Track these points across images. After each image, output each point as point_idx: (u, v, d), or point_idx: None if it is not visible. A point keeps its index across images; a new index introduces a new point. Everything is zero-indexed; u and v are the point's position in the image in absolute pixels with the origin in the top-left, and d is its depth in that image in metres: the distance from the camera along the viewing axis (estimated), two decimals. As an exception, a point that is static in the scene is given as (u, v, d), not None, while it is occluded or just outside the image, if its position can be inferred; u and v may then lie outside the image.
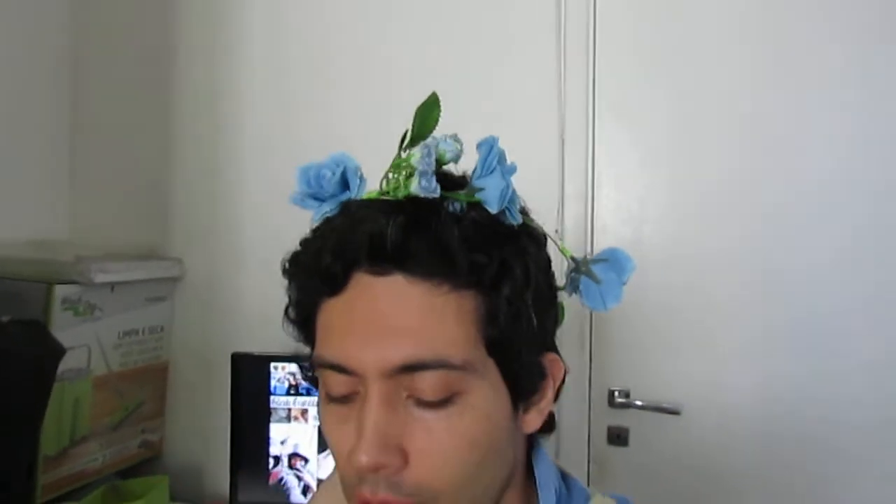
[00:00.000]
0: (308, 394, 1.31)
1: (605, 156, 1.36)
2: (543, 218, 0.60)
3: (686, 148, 1.31)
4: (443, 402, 0.47)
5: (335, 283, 0.50)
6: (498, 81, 1.38)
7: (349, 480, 0.49)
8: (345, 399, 0.50)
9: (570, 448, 1.35)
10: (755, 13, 1.28)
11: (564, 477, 0.61)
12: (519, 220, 0.53)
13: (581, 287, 0.58)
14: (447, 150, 0.54)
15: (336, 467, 0.52)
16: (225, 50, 1.58)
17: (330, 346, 0.50)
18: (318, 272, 0.50)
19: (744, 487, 1.27)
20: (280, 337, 1.47)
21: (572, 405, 1.35)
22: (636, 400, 1.32)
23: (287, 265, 0.54)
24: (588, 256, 0.59)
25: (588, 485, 1.32)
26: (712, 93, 1.30)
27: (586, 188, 1.36)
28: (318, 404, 0.54)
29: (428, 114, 0.55)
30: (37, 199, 1.51)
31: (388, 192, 0.52)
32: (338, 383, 0.50)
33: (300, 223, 0.56)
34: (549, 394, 0.55)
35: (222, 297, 1.57)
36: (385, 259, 0.48)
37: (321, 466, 1.30)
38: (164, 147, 1.61)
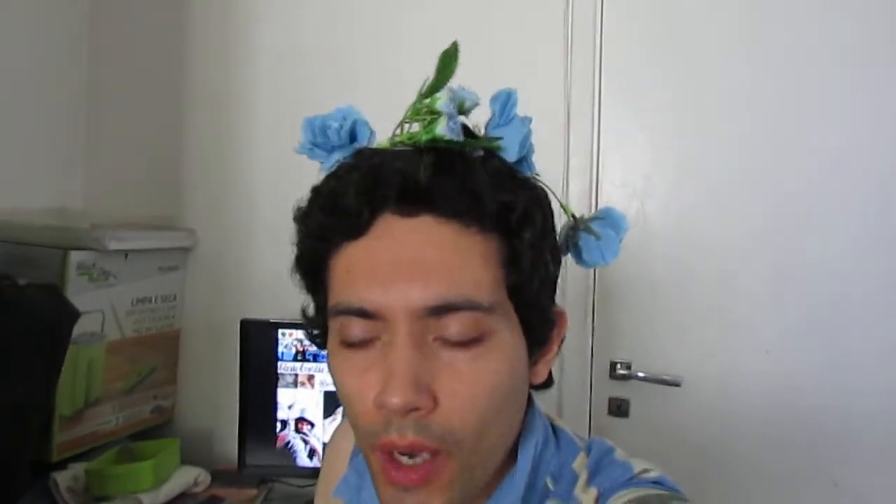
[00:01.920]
0: (315, 360, 1.34)
1: (611, 131, 1.37)
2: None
3: (692, 125, 1.32)
4: (470, 343, 0.47)
5: (359, 225, 0.48)
6: (505, 53, 1.39)
7: (372, 428, 0.47)
8: (364, 346, 0.48)
9: (570, 419, 1.37)
10: (763, -12, 1.28)
11: (554, 429, 0.59)
12: (535, 169, 0.54)
13: (581, 243, 0.58)
14: (466, 97, 0.54)
15: (352, 419, 0.50)
16: (239, 21, 1.60)
17: (352, 290, 0.48)
18: (341, 214, 0.48)
19: (741, 459, 1.29)
20: (288, 305, 1.50)
21: (574, 376, 1.37)
22: (638, 372, 1.34)
23: (301, 209, 0.53)
24: (584, 216, 0.59)
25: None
26: (719, 72, 1.30)
27: (591, 163, 1.37)
28: (328, 356, 0.52)
29: (449, 62, 0.54)
30: (54, 168, 1.55)
31: (402, 141, 0.51)
32: (358, 330, 0.48)
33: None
34: (555, 346, 0.55)
35: (233, 266, 1.60)
36: (415, 199, 0.47)
37: (326, 430, 1.34)
38: (178, 119, 1.64)
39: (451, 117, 0.50)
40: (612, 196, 1.37)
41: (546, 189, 0.55)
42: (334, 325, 0.50)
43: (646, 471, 0.54)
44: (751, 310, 1.28)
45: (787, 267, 1.26)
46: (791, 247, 1.26)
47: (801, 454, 1.25)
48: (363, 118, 0.55)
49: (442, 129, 0.50)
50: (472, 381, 0.47)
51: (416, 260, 0.46)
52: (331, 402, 1.35)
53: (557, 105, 1.37)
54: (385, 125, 0.55)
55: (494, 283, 0.48)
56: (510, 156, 0.52)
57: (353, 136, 0.54)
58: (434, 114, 0.51)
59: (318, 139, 0.54)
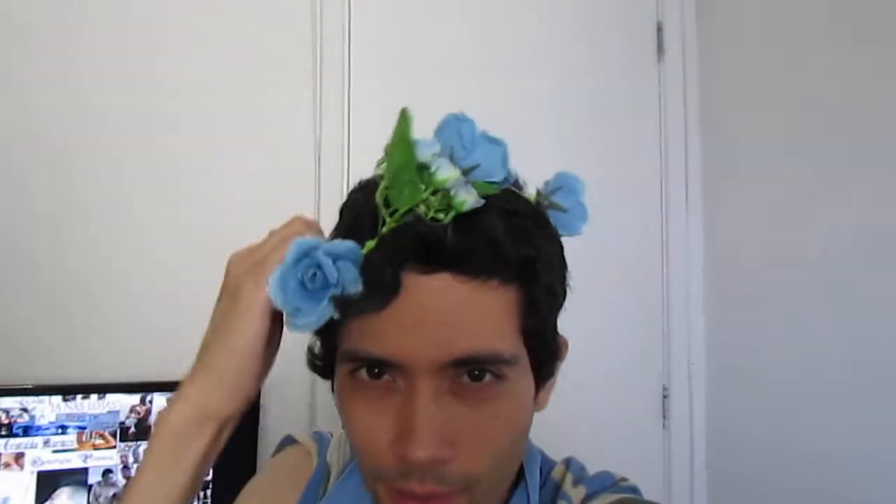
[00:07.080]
0: (25, 434, 1.04)
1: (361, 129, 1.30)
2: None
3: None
4: (486, 392, 0.48)
5: (388, 288, 0.47)
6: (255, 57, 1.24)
7: (386, 471, 0.48)
8: (378, 390, 0.49)
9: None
10: None
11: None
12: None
13: (552, 220, 0.54)
14: (430, 147, 0.48)
15: (359, 454, 0.51)
16: None
17: (371, 340, 0.48)
18: (366, 276, 0.47)
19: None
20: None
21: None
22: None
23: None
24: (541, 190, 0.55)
25: None
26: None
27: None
28: (334, 389, 0.53)
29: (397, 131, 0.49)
30: None
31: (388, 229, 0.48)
32: (373, 376, 0.49)
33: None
34: (556, 373, 0.57)
35: None
36: (436, 259, 0.46)
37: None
38: None
39: (459, 183, 0.47)
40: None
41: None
42: (349, 367, 0.50)
43: (624, 479, 0.59)
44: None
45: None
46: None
47: None
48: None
49: (464, 201, 0.47)
50: (488, 429, 0.48)
51: (440, 314, 0.47)
52: (46, 485, 1.05)
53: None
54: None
55: (514, 331, 0.49)
56: (497, 177, 0.50)
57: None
58: (439, 190, 0.47)
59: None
